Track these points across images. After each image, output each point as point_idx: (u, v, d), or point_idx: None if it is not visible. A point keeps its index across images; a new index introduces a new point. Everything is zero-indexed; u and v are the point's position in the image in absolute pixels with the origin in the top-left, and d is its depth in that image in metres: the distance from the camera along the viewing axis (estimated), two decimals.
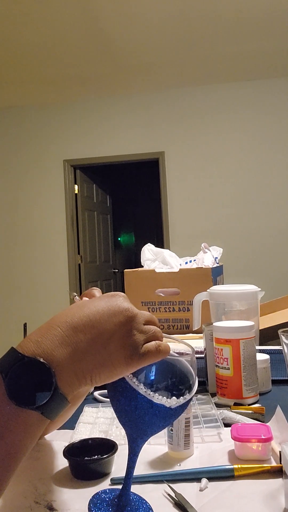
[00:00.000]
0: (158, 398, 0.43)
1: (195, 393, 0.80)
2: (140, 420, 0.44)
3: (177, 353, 0.47)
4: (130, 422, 0.44)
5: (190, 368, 0.46)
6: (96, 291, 0.56)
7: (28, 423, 0.38)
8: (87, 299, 0.51)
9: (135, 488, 0.53)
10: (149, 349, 0.42)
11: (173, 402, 0.43)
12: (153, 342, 0.43)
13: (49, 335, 0.40)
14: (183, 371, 0.46)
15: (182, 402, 0.44)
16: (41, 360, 0.38)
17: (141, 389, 0.42)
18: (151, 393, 0.43)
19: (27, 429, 0.38)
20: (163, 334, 0.46)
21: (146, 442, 0.65)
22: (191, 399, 0.45)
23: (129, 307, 0.43)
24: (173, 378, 0.45)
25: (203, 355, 0.92)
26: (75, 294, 0.60)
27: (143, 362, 0.42)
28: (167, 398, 0.43)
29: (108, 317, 0.42)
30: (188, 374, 0.46)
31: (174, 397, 0.43)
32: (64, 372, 0.39)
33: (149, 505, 0.48)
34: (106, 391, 0.87)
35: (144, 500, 0.49)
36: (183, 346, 0.49)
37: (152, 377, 0.44)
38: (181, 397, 0.44)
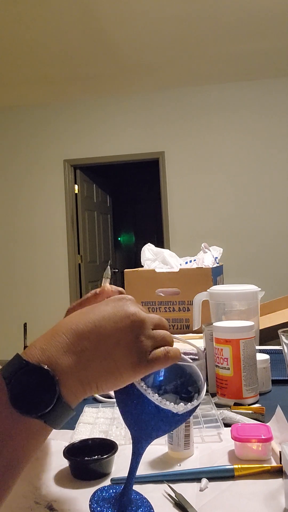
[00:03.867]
0: (166, 404, 0.42)
1: None
2: (146, 424, 0.43)
3: (183, 353, 0.47)
4: (136, 425, 0.44)
5: (199, 372, 0.46)
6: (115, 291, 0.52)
7: (30, 431, 0.37)
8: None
9: (135, 488, 0.53)
10: (157, 356, 0.41)
11: (180, 408, 0.43)
12: (162, 349, 0.41)
13: (54, 342, 0.39)
14: (192, 374, 0.46)
15: (190, 408, 0.44)
16: (45, 367, 0.37)
17: (149, 393, 0.42)
18: (159, 398, 0.42)
19: (29, 437, 0.37)
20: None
21: None
22: (198, 405, 0.45)
23: (136, 311, 0.41)
24: (182, 378, 0.45)
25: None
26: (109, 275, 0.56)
27: (151, 369, 0.41)
28: (174, 403, 0.43)
29: (114, 323, 0.40)
30: (197, 378, 0.45)
31: (181, 403, 0.43)
32: (68, 380, 0.38)
33: (150, 504, 0.48)
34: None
35: (146, 499, 0.49)
36: (189, 346, 0.48)
37: (161, 378, 0.44)
38: (189, 403, 0.43)
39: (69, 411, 0.39)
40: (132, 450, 0.47)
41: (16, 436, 0.36)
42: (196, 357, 0.46)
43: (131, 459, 0.47)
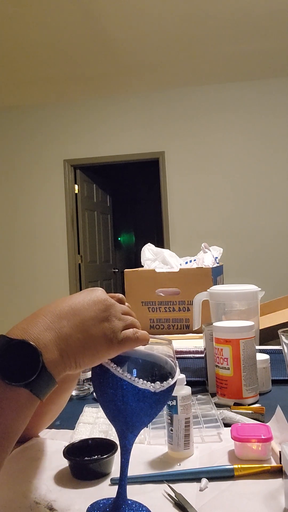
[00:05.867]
0: (143, 383, 0.45)
1: (195, 393, 0.80)
2: (128, 409, 0.45)
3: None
4: (119, 413, 0.46)
5: (169, 360, 0.49)
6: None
7: (18, 402, 0.40)
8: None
9: (135, 488, 0.53)
10: (127, 335, 0.46)
11: (157, 386, 0.45)
12: (131, 329, 0.46)
13: (34, 322, 0.43)
14: (162, 367, 0.48)
15: (166, 386, 0.46)
16: (29, 341, 0.41)
17: (126, 376, 0.45)
18: (136, 379, 0.45)
19: (18, 408, 0.40)
20: None
21: (146, 442, 0.65)
22: (174, 384, 0.48)
23: (107, 297, 0.47)
24: (153, 377, 0.47)
25: (203, 355, 0.92)
26: None
27: (123, 346, 0.45)
28: (151, 383, 0.45)
29: (89, 306, 0.46)
30: (169, 368, 0.48)
31: (158, 382, 0.46)
32: (50, 353, 0.41)
33: (147, 508, 0.48)
34: None
35: (142, 504, 0.49)
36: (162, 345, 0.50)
37: (135, 375, 0.46)
38: (165, 381, 0.46)
39: (52, 381, 0.42)
40: (120, 447, 0.48)
41: (5, 408, 0.39)
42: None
43: (121, 457, 0.48)
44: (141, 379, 0.45)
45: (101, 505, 0.49)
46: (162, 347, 0.50)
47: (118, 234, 7.25)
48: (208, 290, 1.17)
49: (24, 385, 0.40)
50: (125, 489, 0.48)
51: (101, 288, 0.49)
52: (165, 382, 0.46)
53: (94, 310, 0.45)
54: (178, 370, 0.49)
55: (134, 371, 0.46)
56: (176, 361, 0.50)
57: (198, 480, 0.55)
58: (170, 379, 0.47)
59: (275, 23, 3.61)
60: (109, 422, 0.72)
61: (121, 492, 0.47)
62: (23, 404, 0.40)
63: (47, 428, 0.72)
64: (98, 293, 0.47)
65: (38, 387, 0.40)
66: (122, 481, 0.48)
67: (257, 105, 4.75)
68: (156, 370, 0.48)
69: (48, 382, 0.41)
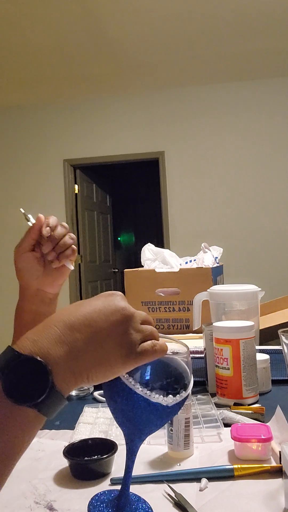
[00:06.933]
0: (155, 397, 0.43)
1: (195, 393, 0.80)
2: (137, 419, 0.44)
3: (172, 352, 0.47)
4: (128, 421, 0.45)
5: (186, 367, 0.47)
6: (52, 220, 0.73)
7: (25, 420, 0.38)
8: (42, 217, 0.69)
9: (135, 488, 0.53)
10: (145, 348, 0.42)
11: (169, 400, 0.44)
12: (149, 342, 0.43)
13: (45, 334, 0.40)
14: (178, 371, 0.46)
15: (179, 400, 0.44)
16: (38, 358, 0.38)
17: (138, 388, 0.43)
18: (148, 392, 0.43)
19: (24, 427, 0.38)
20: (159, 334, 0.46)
21: (146, 442, 0.65)
22: (187, 397, 0.46)
23: (126, 306, 0.43)
24: (168, 379, 0.45)
25: (203, 355, 0.92)
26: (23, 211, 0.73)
27: (140, 361, 0.42)
28: (163, 396, 0.43)
29: (105, 316, 0.42)
30: (184, 373, 0.46)
31: (170, 395, 0.44)
32: (60, 370, 0.39)
33: (148, 505, 0.48)
34: None
35: (143, 499, 0.49)
36: (177, 346, 0.49)
37: (148, 377, 0.45)
38: (177, 395, 0.44)
39: (61, 400, 0.39)
40: (126, 450, 0.47)
41: (11, 426, 0.37)
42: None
43: (126, 460, 0.47)
44: (153, 393, 0.43)
45: (102, 499, 0.49)
46: (177, 349, 0.48)
47: (118, 234, 7.25)
48: (208, 290, 1.17)
49: (31, 406, 0.38)
50: (128, 490, 0.48)
51: (120, 293, 0.45)
52: (178, 395, 0.44)
53: (111, 321, 0.42)
54: (192, 381, 0.47)
55: (147, 375, 0.44)
56: (190, 362, 0.48)
57: (198, 480, 0.55)
58: (183, 391, 0.45)
59: (275, 23, 3.61)
60: (109, 422, 0.72)
61: (125, 492, 0.47)
62: (29, 423, 0.38)
63: (47, 428, 0.72)
64: (116, 301, 0.43)
65: (46, 407, 0.38)
66: (126, 482, 0.47)
67: (257, 105, 4.75)
68: (171, 371, 0.46)
69: (57, 402, 0.39)
